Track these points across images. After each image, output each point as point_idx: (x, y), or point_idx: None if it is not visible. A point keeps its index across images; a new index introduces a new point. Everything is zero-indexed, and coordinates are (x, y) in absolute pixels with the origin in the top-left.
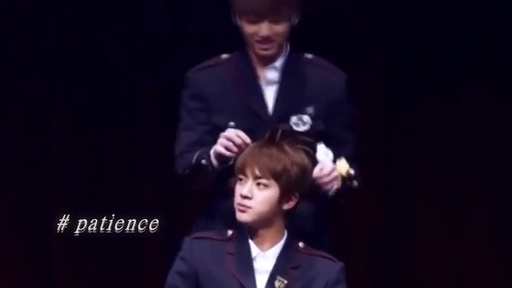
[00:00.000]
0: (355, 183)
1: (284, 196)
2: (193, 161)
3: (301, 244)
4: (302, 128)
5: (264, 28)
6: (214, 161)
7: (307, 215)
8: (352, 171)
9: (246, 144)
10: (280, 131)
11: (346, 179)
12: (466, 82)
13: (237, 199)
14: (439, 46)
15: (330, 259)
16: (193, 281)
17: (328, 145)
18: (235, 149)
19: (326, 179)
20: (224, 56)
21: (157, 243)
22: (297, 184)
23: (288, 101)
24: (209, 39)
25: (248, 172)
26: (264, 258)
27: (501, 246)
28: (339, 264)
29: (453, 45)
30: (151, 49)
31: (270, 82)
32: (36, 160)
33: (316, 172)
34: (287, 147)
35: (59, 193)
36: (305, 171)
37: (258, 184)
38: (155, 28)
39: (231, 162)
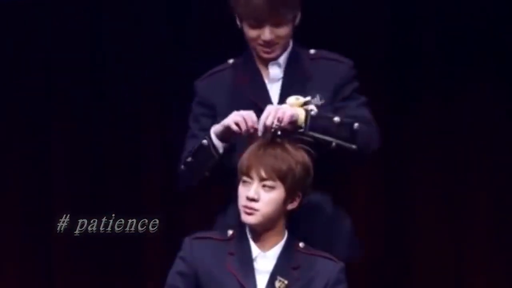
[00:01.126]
0: (336, 118)
1: (289, 196)
2: (195, 148)
3: (301, 244)
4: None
5: (266, 33)
6: (215, 139)
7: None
8: (303, 99)
9: (255, 130)
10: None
11: (307, 112)
12: (466, 82)
13: (243, 201)
14: (439, 46)
15: (331, 259)
16: (193, 281)
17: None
18: (244, 127)
19: (265, 114)
20: (231, 61)
21: (157, 243)
22: (301, 183)
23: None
24: (209, 39)
25: (254, 173)
26: (265, 258)
27: (501, 246)
28: (339, 264)
29: (453, 45)
30: (151, 49)
31: (274, 79)
32: (36, 160)
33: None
34: (289, 147)
35: (59, 193)
36: (308, 170)
37: (264, 186)
38: (155, 28)
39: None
